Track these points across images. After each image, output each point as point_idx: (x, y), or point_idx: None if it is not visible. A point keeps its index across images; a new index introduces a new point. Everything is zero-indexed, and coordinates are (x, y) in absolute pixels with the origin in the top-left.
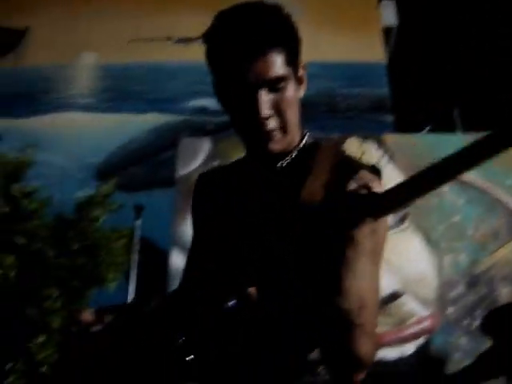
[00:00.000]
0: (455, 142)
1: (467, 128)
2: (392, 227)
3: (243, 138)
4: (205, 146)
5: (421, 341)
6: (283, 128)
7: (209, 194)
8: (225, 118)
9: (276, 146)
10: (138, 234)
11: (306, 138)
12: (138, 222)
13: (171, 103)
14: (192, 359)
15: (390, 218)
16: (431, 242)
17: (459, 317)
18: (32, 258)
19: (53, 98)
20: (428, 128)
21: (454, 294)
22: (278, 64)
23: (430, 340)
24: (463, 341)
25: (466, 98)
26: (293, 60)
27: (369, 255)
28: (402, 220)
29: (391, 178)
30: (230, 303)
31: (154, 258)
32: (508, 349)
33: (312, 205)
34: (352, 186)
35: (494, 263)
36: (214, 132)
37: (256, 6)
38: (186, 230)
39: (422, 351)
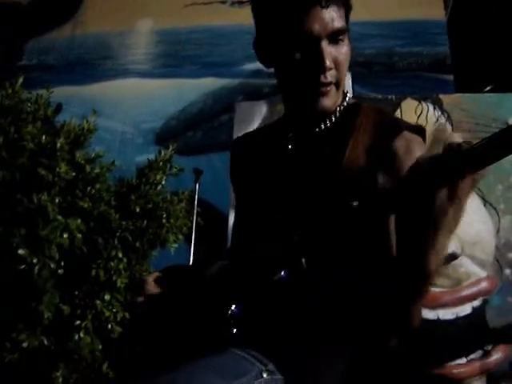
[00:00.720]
0: None
1: None
2: None
3: (292, 94)
4: (261, 110)
5: (478, 302)
6: (337, 83)
7: (245, 158)
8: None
9: (328, 101)
10: (197, 197)
11: (347, 98)
12: (198, 186)
13: (227, 67)
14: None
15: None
16: (489, 203)
17: None
18: (97, 222)
19: (111, 65)
20: (489, 87)
21: (511, 255)
22: (340, 15)
23: (486, 301)
24: None
25: None
26: (347, 15)
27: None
28: None
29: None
30: (281, 275)
31: (213, 220)
32: None
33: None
34: (397, 146)
35: None
36: (270, 95)
37: None
38: None
39: (478, 312)
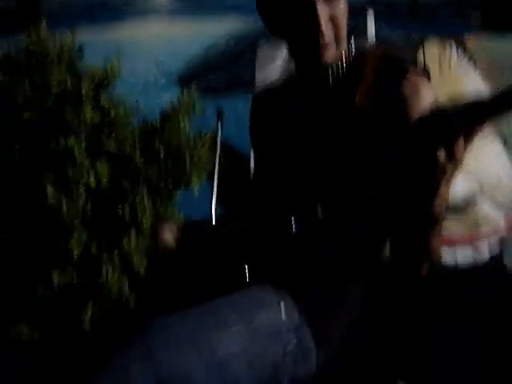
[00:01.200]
0: None
1: None
2: None
3: (296, 52)
4: (282, 50)
5: (495, 246)
6: (337, 40)
7: (265, 113)
8: None
9: (329, 55)
10: (219, 136)
11: (352, 47)
12: (220, 125)
13: (249, 7)
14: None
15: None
16: (509, 146)
17: None
18: (122, 164)
19: (133, 5)
20: None
21: None
22: None
23: (504, 241)
24: None
25: None
26: None
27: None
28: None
29: (471, 80)
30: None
31: (235, 160)
32: None
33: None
34: (403, 89)
35: None
36: None
37: None
38: None
39: (496, 256)
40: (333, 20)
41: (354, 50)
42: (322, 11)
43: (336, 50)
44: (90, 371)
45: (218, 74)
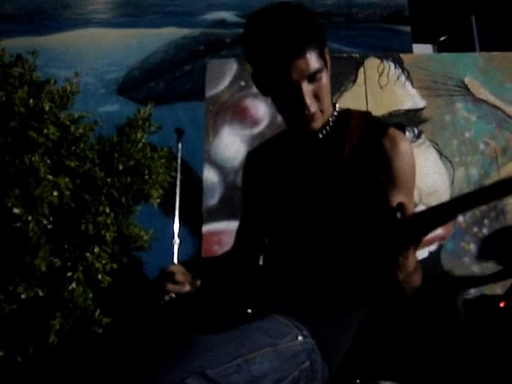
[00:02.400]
0: (471, 61)
1: (484, 37)
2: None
3: (286, 119)
4: (232, 67)
5: (434, 247)
6: (321, 109)
7: (258, 169)
8: (242, 31)
9: (316, 124)
10: (179, 157)
11: (337, 107)
12: (180, 145)
13: (189, 16)
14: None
15: (407, 134)
16: (445, 156)
17: (469, 225)
18: (83, 179)
19: (71, 15)
20: (443, 38)
21: None
22: (314, 59)
23: (442, 246)
24: (472, 247)
25: (482, 7)
26: (323, 51)
27: None
28: (418, 135)
29: (408, 95)
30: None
31: (191, 176)
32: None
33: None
34: (384, 143)
35: (502, 177)
36: (232, 44)
37: (284, 8)
38: (216, 146)
39: (434, 256)
40: (317, 96)
41: (337, 111)
42: (307, 90)
43: (322, 117)
44: (140, 376)
45: (159, 83)
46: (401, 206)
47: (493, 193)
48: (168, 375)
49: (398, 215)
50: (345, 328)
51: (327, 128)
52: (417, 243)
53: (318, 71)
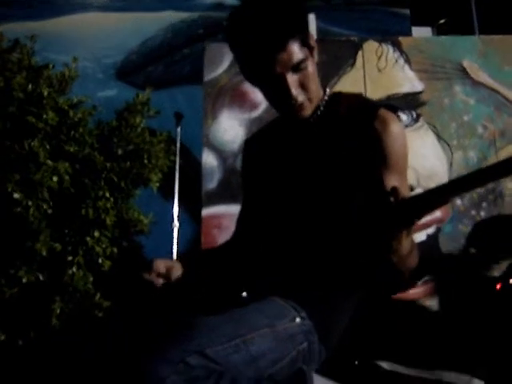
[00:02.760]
0: (469, 44)
1: (484, 20)
2: (407, 125)
3: (276, 109)
4: (229, 52)
5: (432, 230)
6: (309, 99)
7: (255, 156)
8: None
9: (305, 112)
10: (178, 141)
11: (327, 92)
12: (179, 129)
13: (187, 0)
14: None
15: (406, 117)
16: (443, 139)
17: (467, 208)
18: (83, 164)
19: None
20: (443, 21)
21: None
22: (296, 50)
23: (440, 229)
24: (469, 229)
25: None
26: (306, 39)
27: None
28: (416, 119)
29: (406, 78)
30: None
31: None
32: None
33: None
34: (375, 125)
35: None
36: None
37: (264, 1)
38: (215, 130)
39: (432, 239)
40: (303, 85)
41: (327, 95)
42: (292, 80)
43: (310, 105)
44: (140, 355)
45: (157, 67)
46: (394, 190)
47: (486, 175)
48: (168, 354)
49: (392, 199)
50: (341, 311)
51: (318, 113)
52: (409, 226)
53: (302, 61)
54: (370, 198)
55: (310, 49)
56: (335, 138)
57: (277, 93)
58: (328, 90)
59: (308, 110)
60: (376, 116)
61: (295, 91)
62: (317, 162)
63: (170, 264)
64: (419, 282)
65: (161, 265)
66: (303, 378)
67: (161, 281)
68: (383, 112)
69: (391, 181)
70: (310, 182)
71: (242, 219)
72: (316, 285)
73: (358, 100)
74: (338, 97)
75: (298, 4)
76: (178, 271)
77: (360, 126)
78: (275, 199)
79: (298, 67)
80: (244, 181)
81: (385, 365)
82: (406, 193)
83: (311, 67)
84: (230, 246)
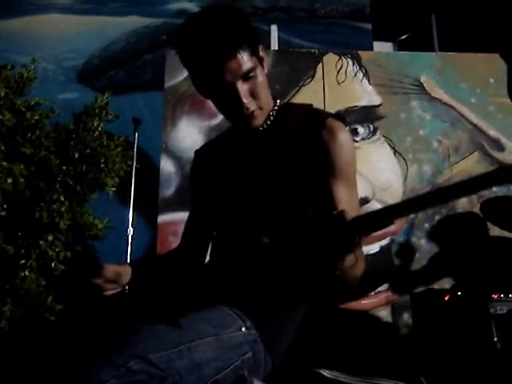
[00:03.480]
0: (428, 60)
1: (444, 37)
2: (364, 138)
3: (228, 118)
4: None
5: (385, 241)
6: (260, 106)
7: (205, 167)
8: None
9: (257, 121)
10: (136, 146)
11: (278, 102)
12: (136, 134)
13: (151, 6)
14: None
15: (363, 130)
16: (399, 152)
17: (420, 221)
18: (38, 167)
19: (32, 0)
20: (405, 36)
21: None
22: (246, 59)
23: (393, 241)
24: (423, 242)
25: (443, 6)
26: (255, 49)
27: None
28: (373, 132)
29: (365, 92)
30: None
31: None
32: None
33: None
34: (323, 134)
35: (455, 174)
36: None
37: (212, 12)
38: (174, 137)
39: (385, 250)
40: (253, 94)
41: (277, 105)
42: (242, 89)
43: (262, 114)
44: (85, 359)
45: (119, 72)
46: (342, 213)
47: (422, 203)
48: (111, 358)
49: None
50: (288, 321)
51: (268, 122)
52: (352, 247)
53: (252, 69)
54: (320, 207)
55: (260, 59)
56: (285, 147)
57: (228, 102)
58: (279, 100)
59: (259, 120)
60: (324, 125)
61: (246, 100)
62: (267, 171)
63: (119, 270)
64: (372, 293)
65: (110, 270)
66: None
67: (109, 286)
68: (331, 121)
69: (339, 189)
70: (259, 192)
71: (188, 229)
72: (262, 295)
73: (307, 110)
74: (289, 107)
75: (246, 16)
76: (126, 277)
77: (309, 135)
78: (225, 208)
79: (247, 75)
80: (192, 191)
81: (326, 373)
82: (354, 202)
83: (261, 76)
84: (175, 255)
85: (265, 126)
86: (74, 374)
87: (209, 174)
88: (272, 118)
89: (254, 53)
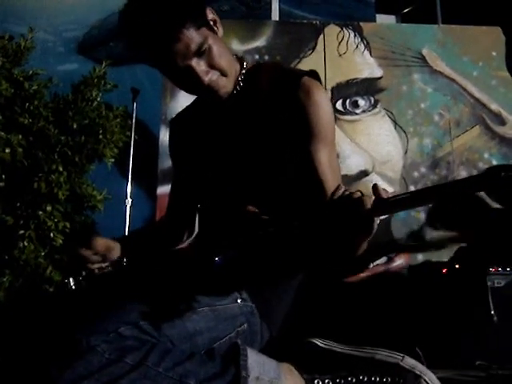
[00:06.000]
0: (430, 33)
1: (447, 10)
2: (364, 111)
3: (196, 95)
4: None
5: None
6: (223, 73)
7: (181, 134)
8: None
9: (225, 89)
10: (134, 116)
11: (245, 65)
12: (135, 104)
13: None
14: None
15: (364, 102)
16: (399, 126)
17: None
18: (37, 137)
19: None
20: (408, 9)
21: (417, 174)
22: (193, 36)
23: (392, 214)
24: (422, 215)
25: None
26: (201, 19)
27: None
28: (374, 104)
29: (366, 64)
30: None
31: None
32: None
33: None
34: (299, 95)
35: (455, 148)
36: None
37: None
38: (173, 107)
39: (385, 223)
40: (211, 65)
41: (245, 67)
42: (198, 66)
43: (227, 79)
44: (76, 326)
45: (119, 43)
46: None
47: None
48: (102, 325)
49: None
50: (284, 293)
51: (238, 87)
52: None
53: (203, 43)
54: (299, 170)
55: (210, 26)
56: (260, 110)
57: (190, 84)
58: (246, 62)
59: (228, 87)
60: (299, 85)
61: (206, 77)
62: (244, 135)
63: (110, 245)
64: (370, 266)
65: (100, 243)
66: (236, 351)
67: (95, 259)
68: (307, 80)
69: (319, 151)
70: (236, 156)
71: (173, 197)
72: (257, 266)
73: (279, 69)
74: (259, 68)
75: None
76: (116, 253)
77: (284, 95)
78: (204, 176)
79: (200, 51)
80: (173, 160)
81: (319, 342)
82: (334, 163)
83: (216, 45)
84: (163, 227)
85: (236, 91)
86: (65, 340)
87: (185, 141)
88: (241, 82)
89: (201, 23)
